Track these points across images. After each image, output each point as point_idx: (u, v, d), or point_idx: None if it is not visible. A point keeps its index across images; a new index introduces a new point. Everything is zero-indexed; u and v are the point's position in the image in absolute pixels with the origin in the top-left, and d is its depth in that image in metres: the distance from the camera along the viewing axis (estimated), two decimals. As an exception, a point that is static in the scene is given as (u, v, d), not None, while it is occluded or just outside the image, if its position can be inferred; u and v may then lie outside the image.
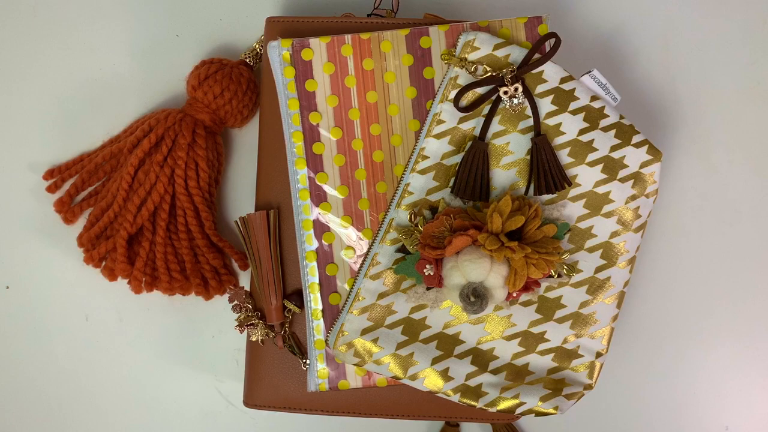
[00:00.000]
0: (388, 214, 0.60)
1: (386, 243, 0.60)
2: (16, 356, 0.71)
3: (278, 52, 0.61)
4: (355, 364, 0.60)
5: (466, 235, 0.56)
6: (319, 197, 0.62)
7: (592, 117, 0.60)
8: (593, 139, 0.60)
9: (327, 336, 0.62)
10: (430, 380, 0.60)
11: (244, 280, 0.70)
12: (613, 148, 0.60)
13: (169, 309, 0.70)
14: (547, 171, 0.59)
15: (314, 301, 0.62)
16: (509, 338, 0.61)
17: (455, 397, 0.60)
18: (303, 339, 0.64)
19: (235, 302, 0.64)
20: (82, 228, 0.67)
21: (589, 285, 0.61)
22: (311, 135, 0.62)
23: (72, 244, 0.68)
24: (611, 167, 0.60)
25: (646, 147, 0.61)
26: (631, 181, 0.61)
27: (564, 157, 0.60)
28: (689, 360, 0.71)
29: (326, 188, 0.62)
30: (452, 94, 0.60)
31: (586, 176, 0.60)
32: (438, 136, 0.60)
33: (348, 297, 0.61)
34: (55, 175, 0.69)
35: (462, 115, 0.60)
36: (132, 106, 0.70)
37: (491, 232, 0.56)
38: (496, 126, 0.60)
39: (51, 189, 0.69)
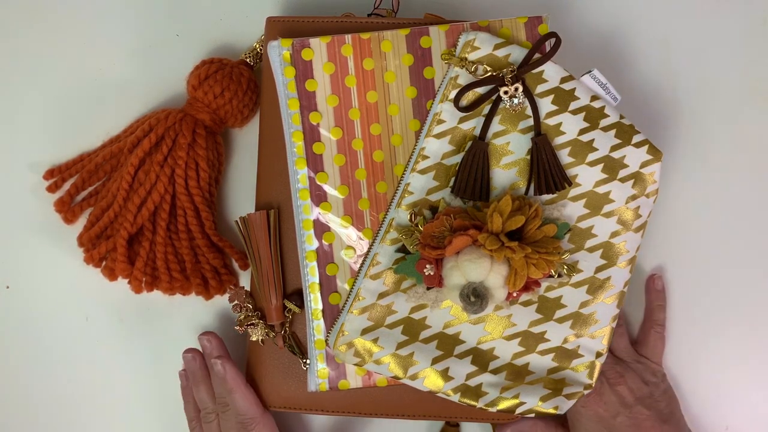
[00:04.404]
0: (389, 214, 0.60)
1: (386, 243, 0.60)
2: (16, 356, 0.70)
3: (278, 52, 0.61)
4: (355, 364, 0.60)
5: (466, 235, 0.56)
6: (319, 197, 0.62)
7: (593, 117, 0.60)
8: (593, 139, 0.60)
9: (327, 336, 0.62)
10: (430, 380, 0.60)
11: (244, 280, 0.70)
12: (614, 148, 0.60)
13: (169, 309, 0.70)
14: (547, 171, 0.59)
15: (314, 301, 0.62)
16: (509, 338, 0.61)
17: (455, 397, 0.60)
18: (303, 339, 0.64)
19: (235, 302, 0.64)
20: (82, 228, 0.67)
21: (590, 285, 0.61)
22: (311, 135, 0.62)
23: (72, 244, 0.68)
24: (611, 167, 0.60)
25: (646, 147, 0.61)
26: (632, 181, 0.61)
27: (564, 156, 0.60)
28: (689, 360, 0.71)
29: (326, 188, 0.62)
30: (452, 94, 0.60)
31: (586, 176, 0.60)
32: (438, 136, 0.60)
33: (348, 297, 0.61)
34: (55, 175, 0.69)
35: (462, 114, 0.60)
36: (132, 106, 0.70)
37: (491, 232, 0.56)
38: (496, 126, 0.60)
39: (51, 189, 0.69)
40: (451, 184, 0.60)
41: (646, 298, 0.70)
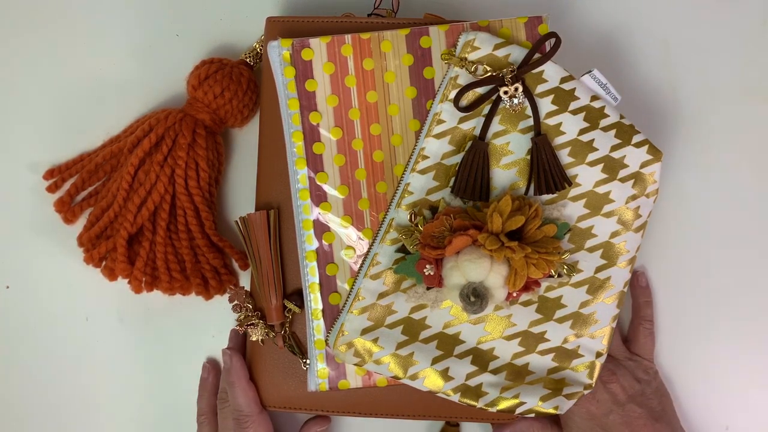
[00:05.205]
0: (388, 214, 0.60)
1: (386, 243, 0.60)
2: (16, 356, 0.70)
3: (278, 52, 0.61)
4: (355, 364, 0.60)
5: (466, 235, 0.56)
6: (319, 197, 0.62)
7: (593, 117, 0.60)
8: (593, 139, 0.60)
9: (327, 336, 0.62)
10: (430, 380, 0.60)
11: (244, 280, 0.70)
12: (614, 148, 0.60)
13: (169, 309, 0.70)
14: (547, 171, 0.59)
15: (314, 301, 0.62)
16: (509, 338, 0.61)
17: (455, 397, 0.60)
18: (303, 339, 0.64)
19: (235, 302, 0.64)
20: (82, 228, 0.67)
21: (590, 285, 0.61)
22: (311, 135, 0.62)
23: (72, 244, 0.68)
24: (611, 167, 0.60)
25: (646, 147, 0.61)
26: (632, 181, 0.61)
27: (564, 156, 0.60)
28: (689, 360, 0.71)
29: (326, 188, 0.62)
30: (452, 94, 0.60)
31: (586, 176, 0.60)
32: (438, 136, 0.60)
33: (348, 297, 0.61)
34: (55, 175, 0.69)
35: (462, 114, 0.60)
36: (132, 106, 0.70)
37: (491, 232, 0.56)
38: (496, 126, 0.60)
39: (51, 189, 0.69)
40: (451, 184, 0.60)
41: (632, 296, 0.70)
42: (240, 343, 0.67)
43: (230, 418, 0.64)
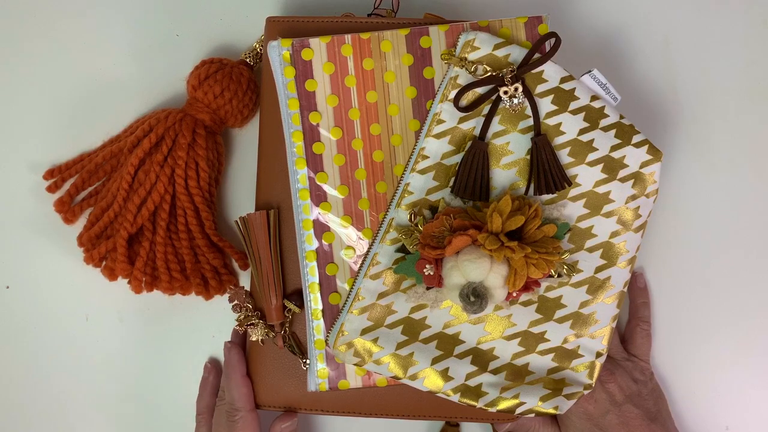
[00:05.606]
0: (388, 214, 0.60)
1: (386, 243, 0.60)
2: (16, 356, 0.70)
3: (278, 52, 0.61)
4: (355, 364, 0.60)
5: (465, 234, 0.56)
6: (319, 197, 0.62)
7: (592, 117, 0.60)
8: (593, 139, 0.60)
9: (327, 336, 0.62)
10: (430, 380, 0.60)
11: (244, 280, 0.70)
12: (613, 148, 0.60)
13: (169, 309, 0.70)
14: (547, 171, 0.59)
15: (314, 301, 0.62)
16: (509, 338, 0.61)
17: (455, 397, 0.60)
18: (303, 339, 0.64)
19: (235, 302, 0.64)
20: (82, 228, 0.67)
21: (589, 285, 0.61)
22: (311, 135, 0.62)
23: (72, 244, 0.68)
24: (611, 167, 0.60)
25: (646, 147, 0.61)
26: (632, 181, 0.61)
27: (564, 156, 0.60)
28: (689, 360, 0.71)
29: (326, 188, 0.62)
30: (452, 94, 0.60)
31: (586, 176, 0.60)
32: (438, 136, 0.60)
33: (348, 297, 0.61)
34: (55, 175, 0.69)
35: (462, 114, 0.60)
36: (132, 106, 0.70)
37: (491, 231, 0.56)
38: (496, 126, 0.60)
39: (51, 189, 0.69)
40: (451, 184, 0.60)
41: (629, 297, 0.71)
42: (242, 340, 0.67)
43: (224, 412, 0.64)
